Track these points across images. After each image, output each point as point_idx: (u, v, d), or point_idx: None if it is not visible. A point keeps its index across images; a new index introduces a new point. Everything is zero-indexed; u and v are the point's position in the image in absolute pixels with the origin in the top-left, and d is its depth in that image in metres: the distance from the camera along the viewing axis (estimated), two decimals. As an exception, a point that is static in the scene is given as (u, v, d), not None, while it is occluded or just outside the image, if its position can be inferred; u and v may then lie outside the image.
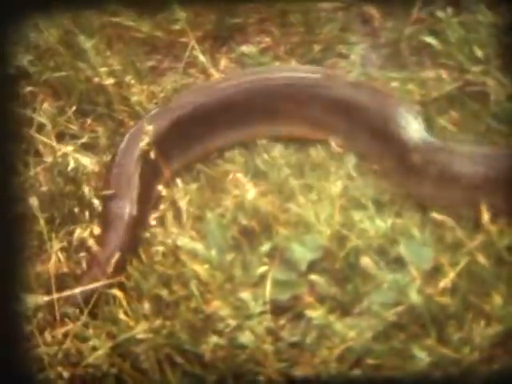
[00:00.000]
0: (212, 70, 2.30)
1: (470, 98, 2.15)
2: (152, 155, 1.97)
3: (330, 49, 2.34)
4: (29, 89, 2.24)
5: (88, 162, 2.10)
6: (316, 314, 1.77)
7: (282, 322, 1.81)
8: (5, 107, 1.98)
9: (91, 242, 1.88)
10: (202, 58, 2.31)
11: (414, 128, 2.01)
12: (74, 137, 2.21)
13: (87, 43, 2.24)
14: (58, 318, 1.81)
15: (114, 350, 1.78)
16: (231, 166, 2.10)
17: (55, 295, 1.83)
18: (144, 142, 1.98)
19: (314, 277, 1.84)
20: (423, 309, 1.74)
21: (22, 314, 1.81)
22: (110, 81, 2.23)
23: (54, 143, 2.13)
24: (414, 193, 1.98)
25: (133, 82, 2.25)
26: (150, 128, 1.98)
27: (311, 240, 1.91)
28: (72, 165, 2.09)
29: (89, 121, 2.25)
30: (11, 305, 1.83)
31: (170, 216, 1.97)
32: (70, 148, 2.13)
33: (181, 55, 2.35)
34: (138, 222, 1.97)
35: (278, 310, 1.82)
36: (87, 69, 2.26)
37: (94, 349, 1.77)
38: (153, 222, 1.97)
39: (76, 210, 2.03)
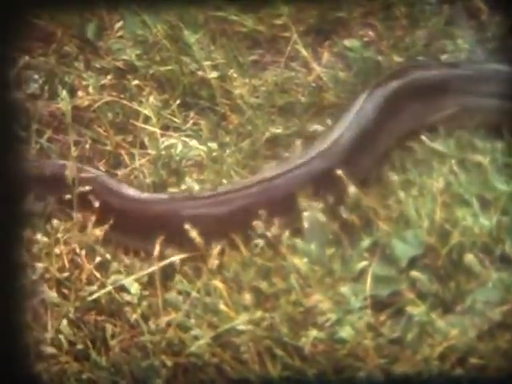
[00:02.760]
0: (314, 64, 2.30)
1: None
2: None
3: (434, 43, 2.31)
4: (136, 82, 2.29)
5: (195, 147, 2.13)
6: (417, 310, 1.76)
7: (382, 317, 1.80)
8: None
9: (194, 234, 1.91)
10: (304, 52, 2.32)
11: None
12: (177, 129, 2.25)
13: (192, 38, 2.28)
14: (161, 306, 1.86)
15: (215, 341, 1.80)
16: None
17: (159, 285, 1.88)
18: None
19: (415, 273, 1.83)
20: (531, 309, 1.71)
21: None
22: (213, 74, 2.26)
23: (159, 135, 2.18)
24: None
25: (235, 75, 2.27)
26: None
27: (412, 236, 1.90)
28: (177, 155, 2.13)
29: (192, 114, 2.29)
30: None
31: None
32: (175, 137, 2.18)
33: (283, 49, 2.36)
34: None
35: (378, 305, 1.81)
36: (191, 63, 2.29)
37: (196, 338, 1.80)
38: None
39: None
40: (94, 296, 1.88)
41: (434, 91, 2.11)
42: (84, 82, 2.29)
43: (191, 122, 2.26)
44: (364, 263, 1.86)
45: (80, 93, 2.27)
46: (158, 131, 2.21)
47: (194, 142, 2.20)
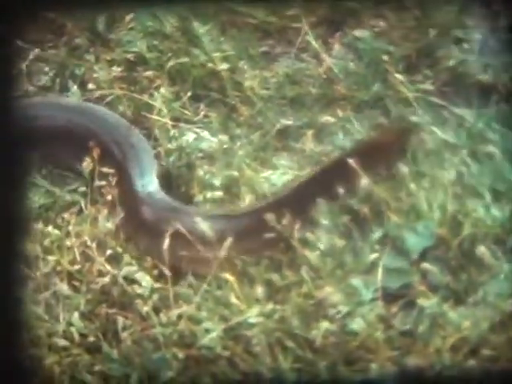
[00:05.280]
0: (324, 56, 2.30)
1: None
2: None
3: (446, 33, 2.29)
4: (146, 74, 2.29)
5: (206, 139, 2.13)
6: (429, 302, 1.76)
7: (393, 309, 1.80)
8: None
9: (204, 226, 1.90)
10: (314, 43, 2.31)
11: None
12: (188, 122, 2.24)
13: (202, 29, 2.28)
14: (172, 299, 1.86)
15: (227, 333, 1.80)
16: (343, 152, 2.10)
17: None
18: None
19: (426, 265, 1.82)
20: (542, 300, 1.70)
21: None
22: (223, 66, 2.26)
23: (170, 127, 2.18)
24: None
25: (245, 67, 2.27)
26: None
27: (424, 228, 1.89)
28: (188, 147, 2.13)
29: (202, 106, 2.28)
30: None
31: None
32: (186, 129, 2.18)
33: (293, 41, 2.35)
34: None
35: (389, 297, 1.81)
36: (201, 55, 2.29)
37: (207, 331, 1.80)
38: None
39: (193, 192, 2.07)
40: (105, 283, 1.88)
41: None
42: (94, 75, 2.29)
43: (202, 114, 2.26)
44: (375, 255, 1.86)
45: (90, 85, 2.27)
46: (170, 123, 2.21)
47: (205, 134, 2.20)
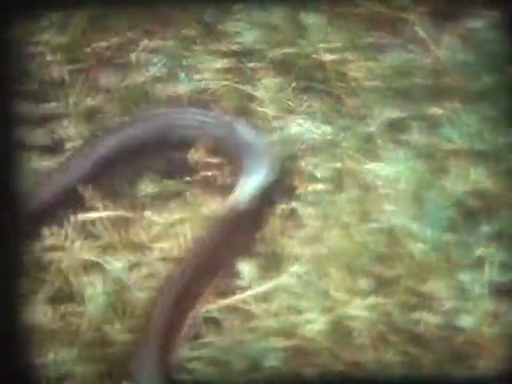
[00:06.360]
0: (433, 47, 2.25)
1: None
2: None
3: None
4: (252, 65, 2.30)
5: (309, 130, 2.13)
6: (541, 298, 1.70)
7: (503, 305, 1.75)
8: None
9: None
10: (423, 33, 2.27)
11: None
12: (291, 113, 2.24)
13: (309, 20, 2.27)
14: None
15: (329, 325, 1.78)
16: (451, 145, 2.05)
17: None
18: None
19: (538, 260, 1.77)
20: None
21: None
22: (328, 57, 2.24)
23: (274, 118, 2.18)
24: None
25: (351, 58, 2.25)
26: None
27: (537, 223, 1.84)
28: (291, 138, 2.13)
29: (305, 97, 2.27)
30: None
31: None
32: (289, 119, 2.17)
33: (402, 31, 2.32)
34: None
35: (498, 292, 1.76)
36: (307, 45, 2.28)
37: (309, 322, 1.80)
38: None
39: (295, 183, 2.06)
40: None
41: None
42: (201, 66, 2.32)
43: (305, 105, 2.25)
44: (484, 249, 1.81)
45: (197, 76, 2.29)
46: (274, 114, 2.21)
47: (308, 125, 2.19)
